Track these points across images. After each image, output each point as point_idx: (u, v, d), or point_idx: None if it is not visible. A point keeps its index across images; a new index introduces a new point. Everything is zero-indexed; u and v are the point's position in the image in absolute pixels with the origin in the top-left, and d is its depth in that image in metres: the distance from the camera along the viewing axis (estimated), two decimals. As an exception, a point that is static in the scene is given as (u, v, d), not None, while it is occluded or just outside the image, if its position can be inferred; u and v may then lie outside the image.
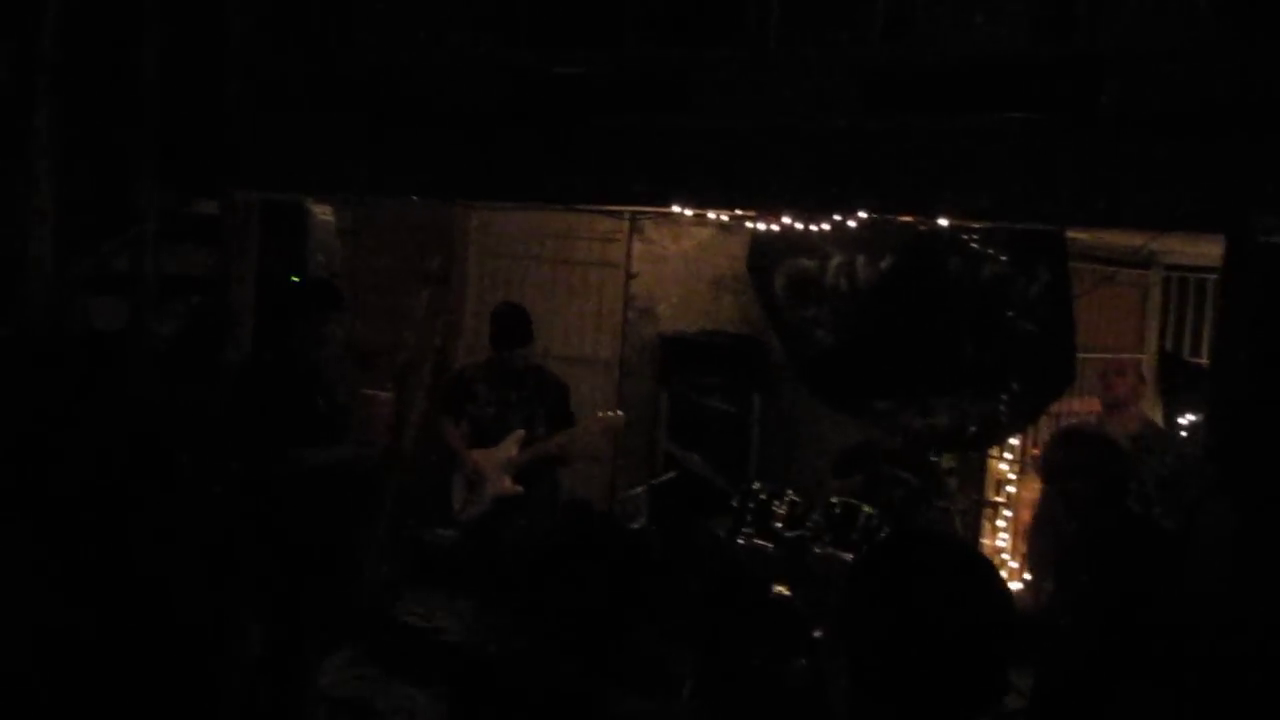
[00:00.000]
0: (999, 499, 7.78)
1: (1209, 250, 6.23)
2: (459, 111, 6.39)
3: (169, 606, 4.96)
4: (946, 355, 6.86)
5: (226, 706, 5.28)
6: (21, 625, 4.68)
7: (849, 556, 6.07)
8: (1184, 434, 5.82)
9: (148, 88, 6.50)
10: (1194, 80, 4.98)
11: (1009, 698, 6.25)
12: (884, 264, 7.09)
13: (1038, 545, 6.17)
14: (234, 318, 6.77)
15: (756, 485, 6.59)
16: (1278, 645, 4.63)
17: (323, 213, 7.33)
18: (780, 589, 6.15)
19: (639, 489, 7.20)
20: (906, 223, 6.64)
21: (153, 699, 4.78)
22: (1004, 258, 6.70)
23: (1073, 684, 5.12)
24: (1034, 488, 7.06)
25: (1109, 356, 7.32)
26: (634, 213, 8.40)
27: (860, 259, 7.17)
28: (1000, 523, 7.79)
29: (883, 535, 6.18)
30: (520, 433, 6.39)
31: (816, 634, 5.89)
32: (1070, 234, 6.61)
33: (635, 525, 7.37)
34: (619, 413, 6.70)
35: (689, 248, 8.46)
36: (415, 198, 7.56)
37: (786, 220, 6.94)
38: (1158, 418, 7.36)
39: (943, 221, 6.27)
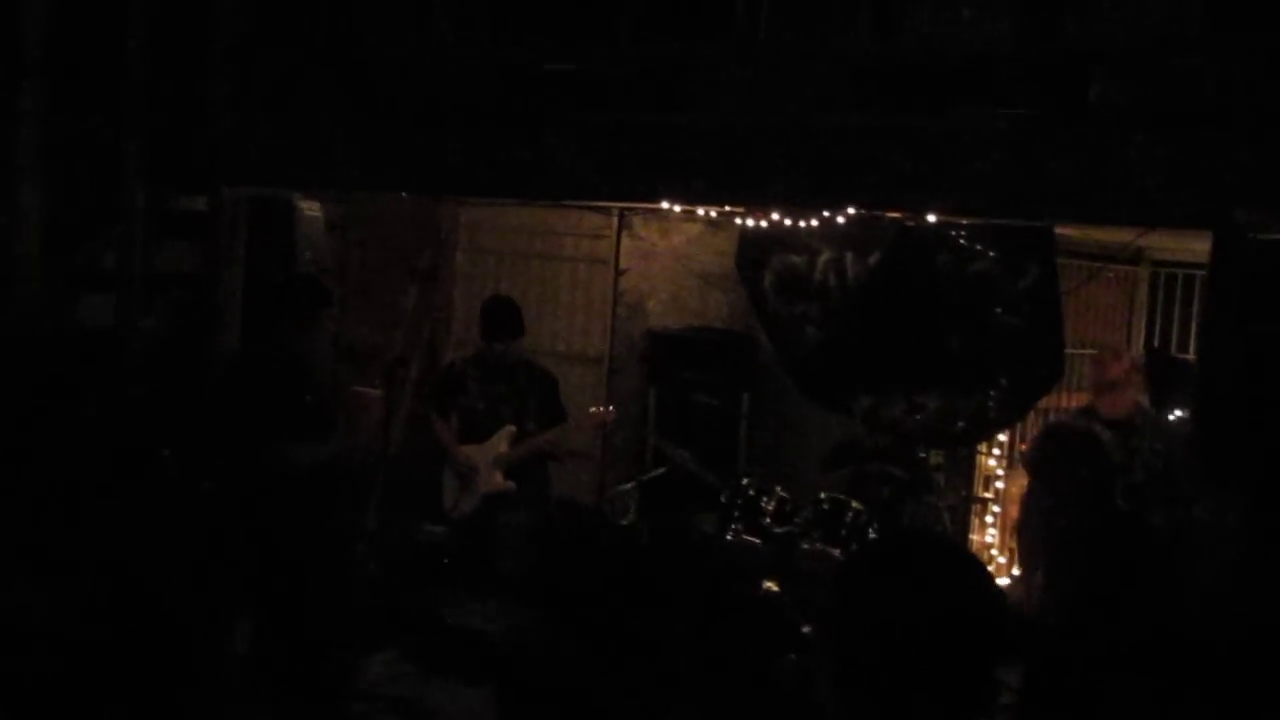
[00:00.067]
0: (987, 495, 7.80)
1: (1196, 246, 6.24)
2: (448, 107, 6.38)
3: (155, 602, 4.94)
4: (935, 351, 6.88)
5: (212, 702, 5.27)
6: (6, 620, 4.67)
7: (837, 553, 6.08)
8: (1175, 417, 5.79)
9: (134, 83, 6.48)
10: (1181, 76, 4.99)
11: (1000, 693, 6.23)
12: (872, 260, 7.11)
13: (1026, 541, 6.18)
14: (222, 314, 6.74)
15: (745, 481, 6.59)
16: (1272, 641, 4.65)
17: (310, 209, 7.30)
18: (769, 585, 6.15)
19: (628, 485, 7.20)
20: (895, 219, 6.65)
21: (138, 694, 4.77)
22: (992, 254, 6.72)
23: (1062, 681, 5.14)
24: (1022, 483, 7.07)
25: (1098, 351, 7.34)
26: (623, 209, 8.40)
27: (849, 255, 7.18)
28: (988, 518, 7.81)
29: (872, 533, 6.19)
30: (511, 428, 6.38)
31: (805, 630, 5.89)
32: (1058, 230, 6.63)
33: (624, 521, 7.37)
34: (610, 408, 6.70)
35: (678, 244, 8.46)
36: (404, 194, 7.54)
37: (775, 216, 6.95)
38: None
39: (931, 218, 6.28)
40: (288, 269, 6.99)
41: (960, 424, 6.70)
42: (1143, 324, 8.18)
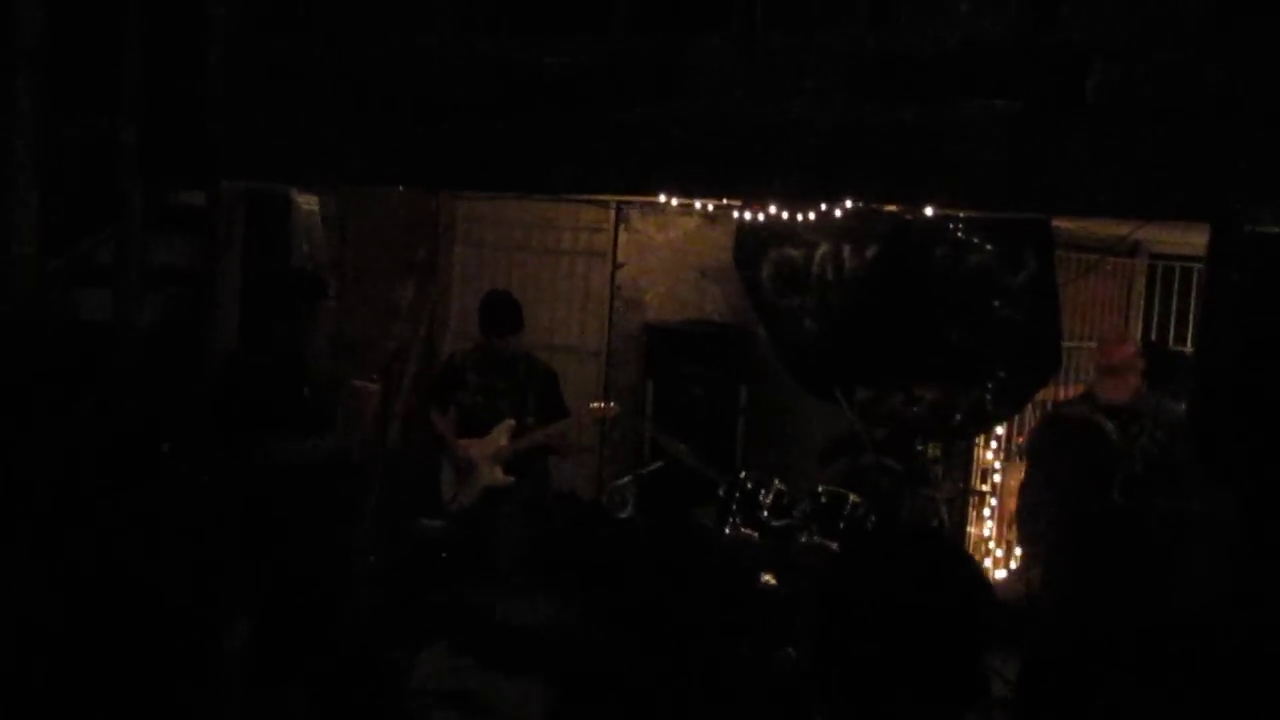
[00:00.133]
0: (985, 487, 7.81)
1: (1194, 239, 6.25)
2: (445, 101, 6.37)
3: (153, 597, 4.95)
4: (932, 344, 6.88)
5: (211, 697, 5.27)
6: (4, 613, 4.68)
7: (835, 546, 6.09)
8: (1177, 405, 5.75)
9: (130, 77, 6.46)
10: (1179, 69, 4.99)
11: (995, 684, 6.29)
12: (870, 253, 7.11)
13: (1025, 531, 6.18)
14: (219, 308, 6.74)
15: (743, 475, 6.59)
16: (1266, 633, 4.65)
17: (308, 203, 7.29)
18: (767, 578, 6.16)
19: (626, 479, 7.21)
20: (892, 212, 6.66)
21: (137, 689, 4.77)
22: (989, 246, 6.73)
23: (1058, 673, 5.14)
24: (1019, 476, 7.08)
25: (1094, 345, 7.34)
26: (620, 202, 8.40)
27: (846, 248, 7.19)
28: (986, 511, 7.82)
29: (864, 528, 6.19)
30: (510, 422, 6.38)
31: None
32: (1056, 223, 6.63)
33: (622, 515, 7.38)
34: (612, 404, 6.69)
35: (675, 237, 8.46)
36: (401, 187, 7.54)
37: (773, 210, 6.95)
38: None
39: (929, 211, 6.28)
40: (285, 263, 6.98)
41: (958, 417, 6.70)
42: (1140, 317, 8.19)
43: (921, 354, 6.89)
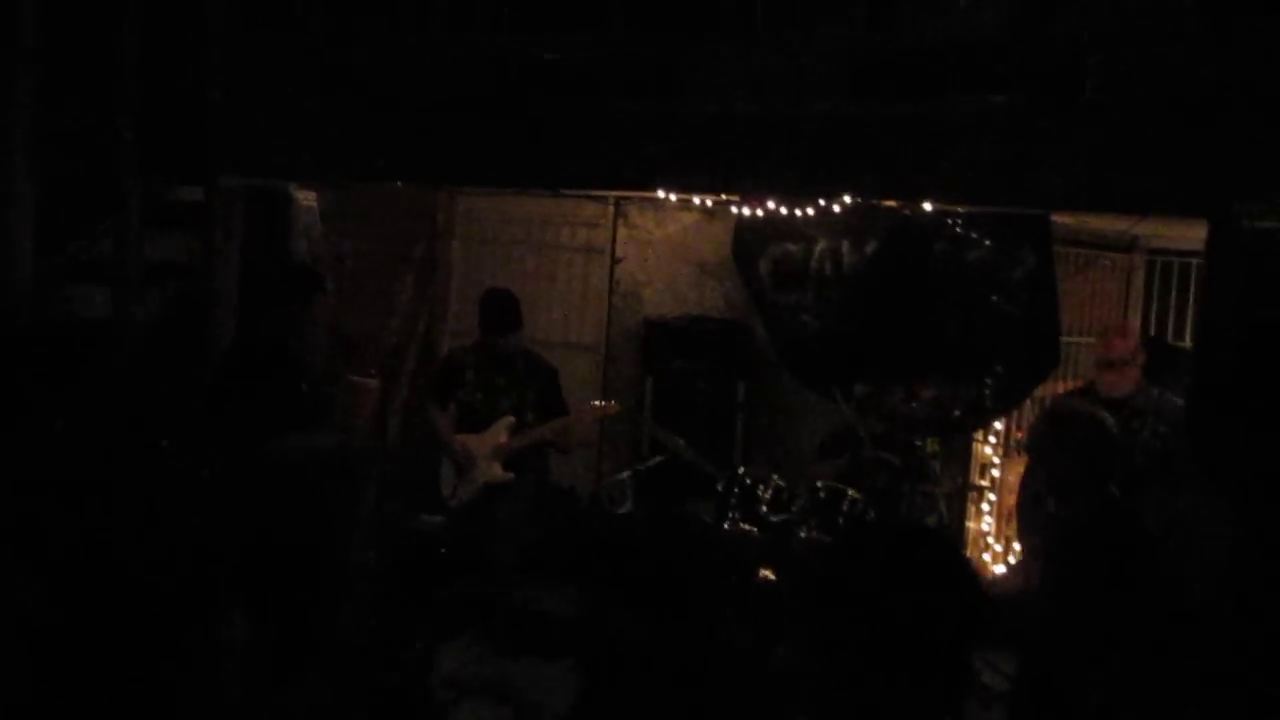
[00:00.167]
0: (983, 482, 7.81)
1: (1192, 234, 6.24)
2: (443, 97, 6.37)
3: (151, 593, 4.95)
4: (931, 339, 6.88)
5: (208, 692, 5.27)
6: (2, 611, 4.67)
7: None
8: (1177, 399, 5.73)
9: (128, 73, 6.46)
10: (1177, 65, 4.99)
11: (995, 680, 6.31)
12: (869, 249, 7.11)
13: (1025, 525, 6.18)
14: (217, 304, 6.74)
15: (742, 470, 6.59)
16: (1262, 632, 4.66)
17: (306, 198, 7.29)
18: (766, 573, 6.16)
19: (625, 474, 7.20)
20: (891, 208, 6.66)
21: (134, 684, 4.77)
22: (988, 242, 6.73)
23: (1056, 668, 5.15)
24: (1018, 471, 7.08)
25: (1093, 340, 7.34)
26: (619, 198, 8.39)
27: (845, 244, 7.19)
28: (985, 506, 7.83)
29: (853, 523, 6.18)
30: (510, 419, 6.37)
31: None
32: (1054, 218, 6.63)
33: (621, 510, 7.38)
34: (613, 402, 6.69)
35: (674, 233, 8.45)
36: (399, 183, 7.53)
37: (772, 205, 6.95)
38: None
39: (927, 206, 6.28)
40: (283, 259, 6.98)
41: (956, 412, 6.71)
42: (1139, 312, 8.18)
43: (920, 349, 6.89)
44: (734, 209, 7.33)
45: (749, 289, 7.60)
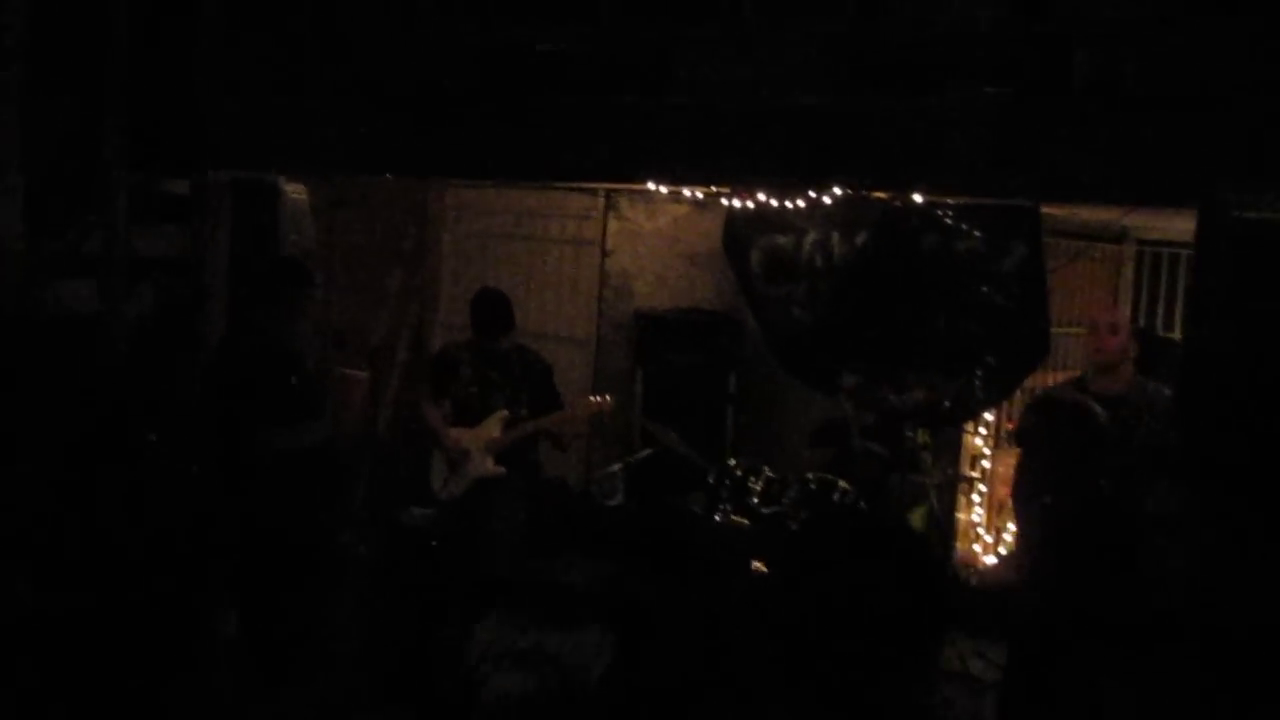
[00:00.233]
0: (974, 474, 7.82)
1: (1182, 225, 6.26)
2: (433, 89, 6.36)
3: (142, 587, 4.95)
4: (921, 331, 6.89)
5: (200, 685, 5.27)
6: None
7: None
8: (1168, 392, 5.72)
9: (116, 65, 6.43)
10: (1166, 55, 5.00)
11: (985, 670, 6.32)
12: (859, 240, 7.11)
13: (1019, 517, 6.19)
14: (206, 297, 6.73)
15: (733, 462, 6.60)
16: (1244, 622, 4.67)
17: (296, 191, 7.28)
18: (757, 565, 6.17)
19: (616, 467, 7.21)
20: (881, 199, 6.66)
21: (127, 678, 4.77)
22: (978, 233, 6.73)
23: (1044, 658, 5.17)
24: (1009, 462, 7.09)
25: (1083, 331, 7.36)
26: (609, 190, 8.39)
27: (835, 235, 7.18)
28: (975, 497, 7.84)
29: (821, 516, 6.18)
30: (503, 413, 6.38)
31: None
32: (1044, 209, 6.64)
33: (612, 503, 7.38)
34: (607, 397, 6.69)
35: (664, 225, 8.45)
36: (389, 176, 7.52)
37: (762, 197, 6.95)
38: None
39: (917, 197, 6.29)
40: (272, 252, 6.97)
41: (946, 403, 6.71)
42: (1128, 303, 8.20)
43: (910, 341, 6.89)
44: (724, 201, 7.33)
45: (739, 281, 7.60)
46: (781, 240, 7.33)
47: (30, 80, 6.28)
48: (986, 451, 7.78)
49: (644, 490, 7.24)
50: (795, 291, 7.37)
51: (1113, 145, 5.12)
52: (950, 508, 7.55)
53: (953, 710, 6.00)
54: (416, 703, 5.69)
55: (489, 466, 6.35)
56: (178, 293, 6.70)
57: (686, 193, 7.69)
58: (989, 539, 7.84)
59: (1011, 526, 7.51)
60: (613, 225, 8.59)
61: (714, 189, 7.15)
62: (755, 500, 6.35)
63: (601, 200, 8.52)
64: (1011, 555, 7.35)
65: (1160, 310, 8.05)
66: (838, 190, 6.13)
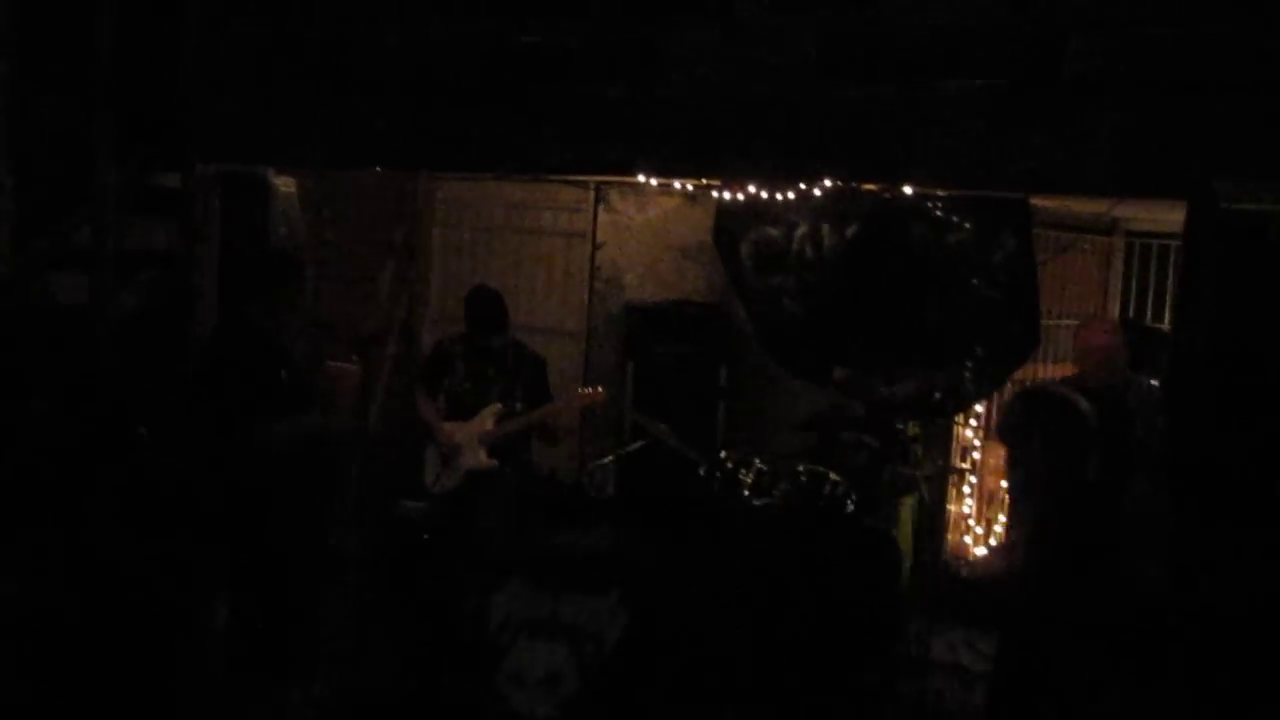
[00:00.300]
0: (964, 465, 7.84)
1: (1172, 217, 6.27)
2: (423, 82, 6.35)
3: (130, 581, 4.94)
4: (911, 322, 6.90)
5: (193, 678, 5.27)
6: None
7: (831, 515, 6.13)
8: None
9: (104, 60, 6.41)
10: (1156, 48, 5.00)
11: (975, 660, 6.34)
12: (849, 232, 7.11)
13: (1013, 510, 6.21)
14: (196, 291, 6.71)
15: (724, 454, 6.60)
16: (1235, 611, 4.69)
17: (285, 185, 7.26)
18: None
19: (607, 459, 7.20)
20: (871, 191, 6.67)
21: (119, 673, 4.77)
22: (968, 225, 6.74)
23: (1033, 649, 5.18)
24: (999, 454, 7.11)
25: (1074, 323, 7.37)
26: (599, 183, 8.38)
27: (825, 227, 7.19)
28: (966, 489, 7.86)
29: (850, 504, 6.21)
30: (497, 406, 6.38)
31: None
32: (1034, 201, 6.65)
33: (603, 495, 7.38)
34: (599, 389, 6.69)
35: (654, 217, 8.45)
36: (379, 168, 7.51)
37: (752, 189, 6.95)
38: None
39: (907, 189, 6.29)
40: (262, 245, 6.95)
41: (937, 395, 6.73)
42: (1118, 294, 8.22)
43: (900, 332, 6.90)
44: (714, 193, 7.33)
45: (730, 273, 7.60)
46: (772, 232, 7.34)
47: (18, 74, 6.25)
48: (977, 443, 7.80)
49: (635, 482, 7.24)
50: (786, 283, 7.37)
51: (1102, 137, 5.13)
52: (941, 499, 7.57)
53: (943, 701, 6.03)
54: (438, 672, 5.83)
55: (482, 459, 6.35)
56: (167, 286, 6.69)
57: (677, 185, 7.69)
58: (979, 530, 7.87)
59: (1002, 518, 7.54)
60: (603, 218, 8.59)
61: (704, 181, 7.15)
62: (746, 492, 6.36)
63: (591, 193, 8.52)
64: (1002, 547, 7.37)
65: (1150, 301, 8.08)
66: (828, 182, 6.14)
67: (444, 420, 6.44)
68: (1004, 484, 7.04)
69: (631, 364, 8.14)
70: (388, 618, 6.28)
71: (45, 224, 6.50)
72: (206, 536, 5.35)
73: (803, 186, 6.63)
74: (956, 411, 7.41)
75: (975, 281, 6.80)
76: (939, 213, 6.77)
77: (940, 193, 6.62)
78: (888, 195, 6.70)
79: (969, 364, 6.82)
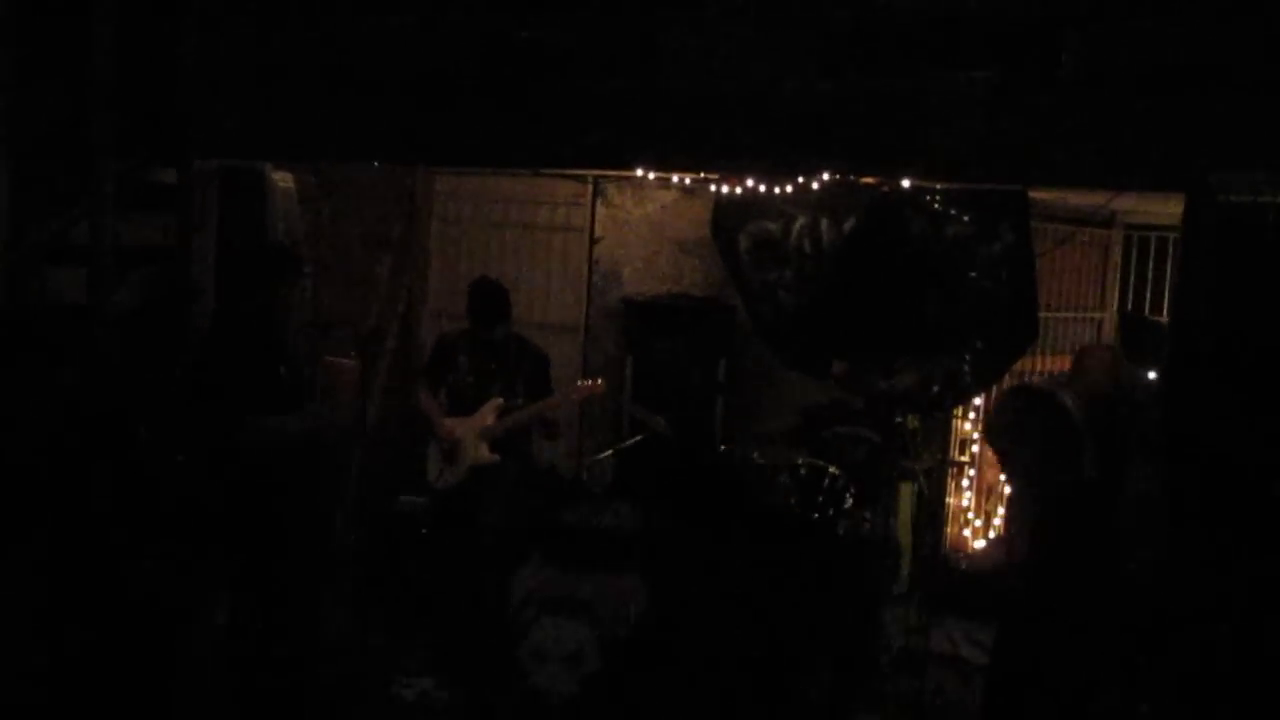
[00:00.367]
0: (963, 458, 7.85)
1: (1170, 209, 6.27)
2: (421, 76, 6.34)
3: (130, 579, 4.94)
4: (910, 316, 6.90)
5: (191, 674, 5.27)
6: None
7: (816, 517, 6.12)
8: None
9: (103, 55, 6.40)
10: (1154, 40, 5.00)
11: (973, 653, 6.35)
12: (847, 225, 7.12)
13: (1011, 507, 6.21)
14: (194, 286, 6.70)
15: (723, 448, 6.60)
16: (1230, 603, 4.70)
17: (283, 180, 7.25)
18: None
19: (606, 453, 7.21)
20: (869, 184, 6.67)
21: (118, 670, 4.76)
22: (966, 218, 6.74)
23: (1031, 642, 5.18)
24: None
25: (1073, 315, 7.38)
26: (597, 177, 8.38)
27: (824, 221, 7.19)
28: (964, 482, 7.87)
29: (849, 498, 6.21)
30: (498, 401, 6.37)
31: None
32: (1032, 194, 6.65)
33: (602, 490, 7.38)
34: (599, 380, 6.69)
35: (652, 211, 8.45)
36: (377, 163, 7.50)
37: (750, 183, 6.95)
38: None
39: (905, 182, 6.29)
40: (260, 240, 6.94)
41: (936, 388, 6.73)
42: (1116, 287, 8.23)
43: (899, 325, 6.91)
44: (712, 187, 7.33)
45: (728, 267, 7.61)
46: (770, 226, 7.34)
47: (15, 68, 6.24)
48: (976, 436, 7.81)
49: (635, 477, 7.24)
50: (784, 277, 7.37)
51: (1100, 130, 5.13)
52: (940, 492, 7.58)
53: (943, 694, 6.03)
54: (461, 651, 5.86)
55: (484, 454, 6.35)
56: (165, 281, 6.68)
57: (675, 179, 7.69)
58: (978, 523, 7.87)
59: (1001, 510, 7.55)
60: (601, 212, 8.59)
61: (703, 175, 7.15)
62: (745, 488, 6.36)
63: (590, 187, 8.52)
64: (1000, 539, 7.38)
65: (1148, 293, 8.08)
66: (826, 175, 6.13)
67: (445, 415, 6.44)
68: (1002, 477, 7.04)
69: (630, 358, 8.14)
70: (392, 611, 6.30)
71: (43, 220, 6.50)
72: (206, 535, 5.35)
73: (801, 180, 6.62)
74: (955, 404, 7.42)
75: (974, 274, 6.80)
76: (937, 206, 6.77)
77: (938, 186, 6.62)
78: (886, 188, 6.71)
79: (968, 357, 6.83)
